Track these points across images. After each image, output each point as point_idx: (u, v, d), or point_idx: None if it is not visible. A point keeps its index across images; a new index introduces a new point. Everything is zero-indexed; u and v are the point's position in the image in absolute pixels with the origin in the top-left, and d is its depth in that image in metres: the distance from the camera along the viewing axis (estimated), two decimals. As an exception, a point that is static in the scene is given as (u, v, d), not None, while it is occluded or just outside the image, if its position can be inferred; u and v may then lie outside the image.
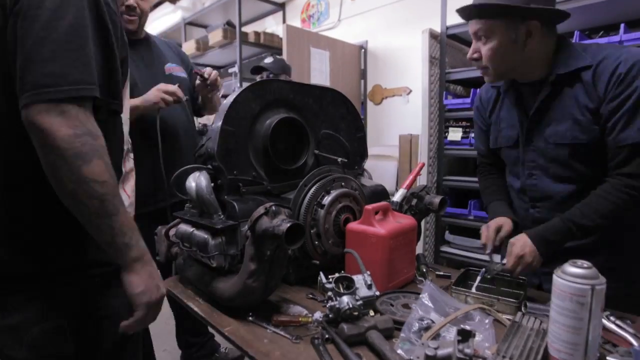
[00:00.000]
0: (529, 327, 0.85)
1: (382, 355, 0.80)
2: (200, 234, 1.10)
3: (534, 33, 1.03)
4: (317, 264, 1.17)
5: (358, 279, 0.96)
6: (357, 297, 0.91)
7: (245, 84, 1.26)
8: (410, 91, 3.03)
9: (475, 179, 2.14)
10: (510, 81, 1.17)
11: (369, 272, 0.99)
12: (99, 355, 0.82)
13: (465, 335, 0.74)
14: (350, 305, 0.88)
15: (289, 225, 0.88)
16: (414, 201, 1.35)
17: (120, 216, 0.71)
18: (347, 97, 1.48)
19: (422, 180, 2.29)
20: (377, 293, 0.97)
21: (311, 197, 1.17)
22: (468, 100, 2.19)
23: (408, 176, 1.40)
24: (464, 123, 2.33)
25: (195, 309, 1.09)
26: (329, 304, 0.91)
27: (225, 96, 1.56)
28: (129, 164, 0.92)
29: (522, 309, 0.97)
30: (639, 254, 1.10)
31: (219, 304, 1.07)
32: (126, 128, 0.90)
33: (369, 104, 3.34)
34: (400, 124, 3.05)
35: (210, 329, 1.03)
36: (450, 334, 0.84)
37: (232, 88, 1.41)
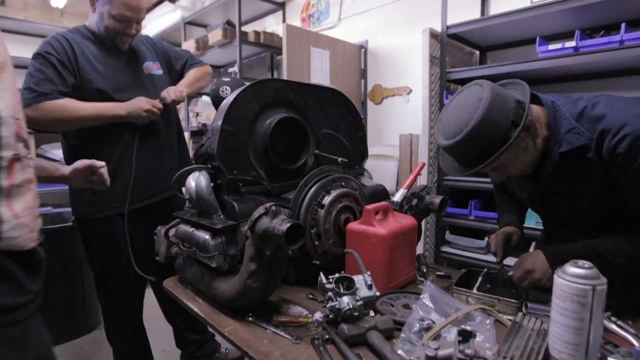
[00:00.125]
0: (529, 327, 0.84)
1: (382, 355, 0.80)
2: (200, 234, 1.10)
3: (532, 127, 0.97)
4: (317, 264, 1.17)
5: (358, 279, 0.96)
6: (357, 298, 0.91)
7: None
8: (411, 91, 3.02)
9: (476, 179, 2.15)
10: None
11: (369, 273, 0.98)
12: None
13: (465, 336, 0.73)
14: (351, 306, 0.87)
15: (289, 225, 0.88)
16: (415, 201, 1.35)
17: None
18: (347, 96, 1.47)
19: (422, 180, 2.29)
20: (378, 293, 0.97)
21: (311, 197, 1.17)
22: (468, 99, 2.18)
23: (408, 176, 1.40)
24: (464, 123, 2.32)
25: (195, 309, 1.08)
26: (329, 305, 0.91)
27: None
28: (20, 175, 0.71)
29: (523, 309, 0.97)
30: None
31: (219, 304, 1.06)
32: (6, 130, 0.68)
33: (369, 104, 3.34)
34: (401, 123, 3.04)
35: (210, 329, 1.03)
36: (451, 334, 0.84)
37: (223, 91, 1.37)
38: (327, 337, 0.88)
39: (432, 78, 2.32)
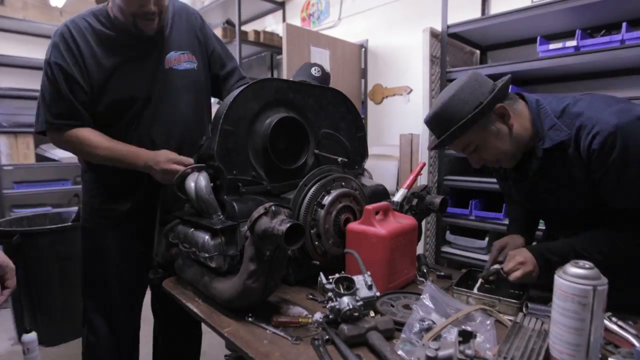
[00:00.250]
0: (530, 328, 0.84)
1: (382, 356, 0.79)
2: (200, 235, 1.10)
3: (506, 114, 1.01)
4: (317, 264, 1.17)
5: (358, 279, 0.96)
6: (357, 298, 0.90)
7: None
8: (411, 90, 3.02)
9: (476, 179, 2.15)
10: None
11: (369, 273, 0.98)
12: None
13: (466, 336, 0.73)
14: (351, 306, 0.87)
15: (288, 225, 0.88)
16: (415, 201, 1.34)
17: None
18: (348, 96, 1.47)
19: (422, 180, 2.28)
20: (378, 294, 0.97)
21: (311, 197, 1.16)
22: (469, 99, 2.18)
23: (409, 176, 1.39)
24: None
25: (195, 309, 1.08)
26: (329, 305, 0.91)
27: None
28: None
29: (524, 309, 0.97)
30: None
31: (219, 304, 1.06)
32: None
33: (370, 103, 3.34)
34: (401, 123, 3.04)
35: (210, 330, 1.03)
36: (451, 335, 0.84)
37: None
38: (327, 337, 0.87)
39: (432, 77, 2.31)
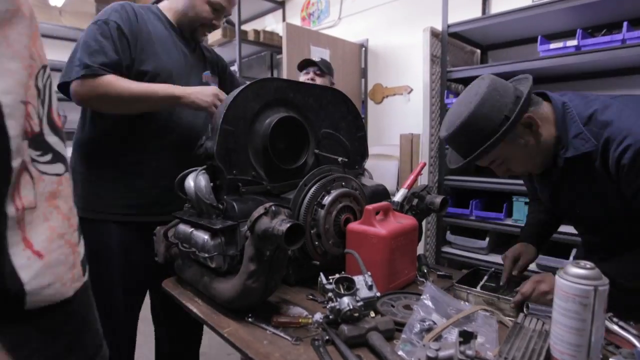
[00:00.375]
0: (531, 328, 0.84)
1: (383, 356, 0.79)
2: (200, 235, 1.10)
3: (534, 123, 0.95)
4: (317, 264, 1.17)
5: (359, 279, 0.95)
6: (357, 298, 0.90)
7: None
8: (411, 90, 3.01)
9: (477, 179, 2.15)
10: None
11: (369, 273, 0.98)
12: None
13: (466, 337, 0.73)
14: (351, 307, 0.87)
15: (288, 225, 0.87)
16: (415, 201, 1.34)
17: None
18: (348, 96, 1.47)
19: (423, 180, 2.28)
20: (378, 294, 0.96)
21: (311, 197, 1.16)
22: (469, 99, 2.18)
23: (409, 176, 1.39)
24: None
25: (194, 310, 1.08)
26: (329, 305, 0.90)
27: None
28: (30, 192, 0.43)
29: (524, 310, 0.97)
30: None
31: (218, 305, 1.06)
32: (13, 126, 0.40)
33: (370, 103, 3.33)
34: (401, 123, 3.04)
35: (210, 330, 1.03)
36: (452, 335, 0.84)
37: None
38: (327, 338, 0.87)
39: (432, 77, 2.31)
